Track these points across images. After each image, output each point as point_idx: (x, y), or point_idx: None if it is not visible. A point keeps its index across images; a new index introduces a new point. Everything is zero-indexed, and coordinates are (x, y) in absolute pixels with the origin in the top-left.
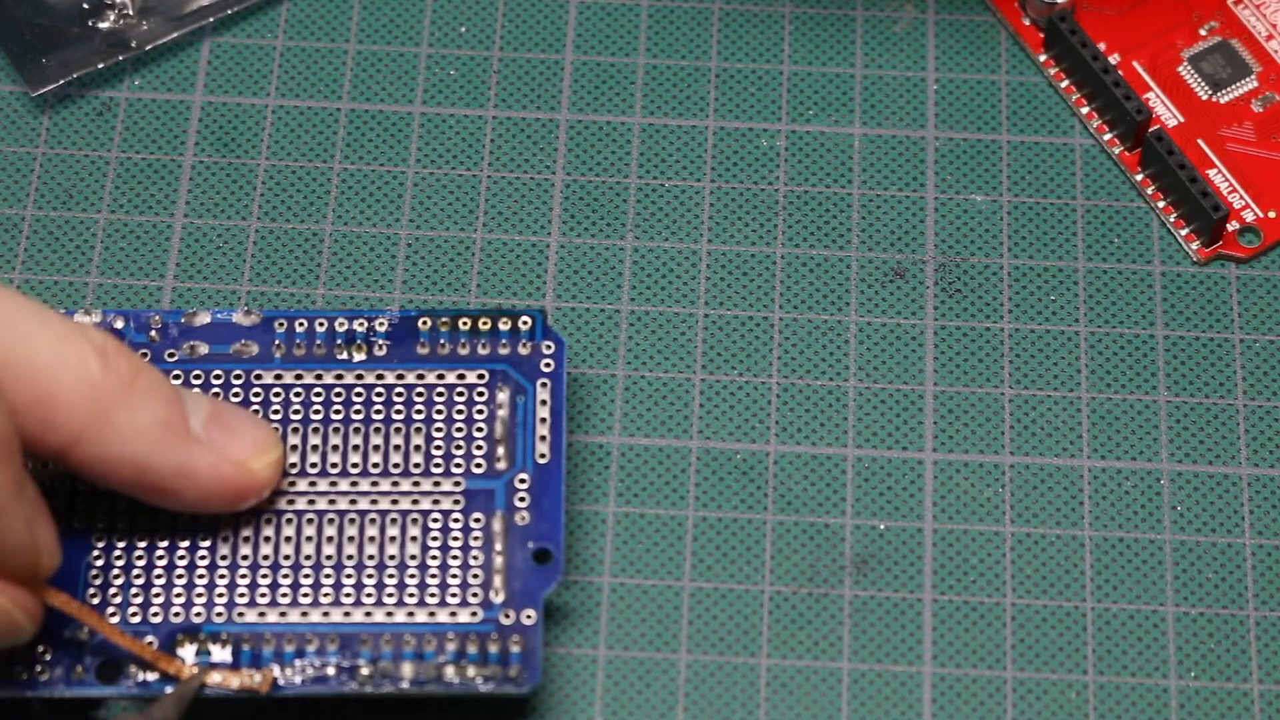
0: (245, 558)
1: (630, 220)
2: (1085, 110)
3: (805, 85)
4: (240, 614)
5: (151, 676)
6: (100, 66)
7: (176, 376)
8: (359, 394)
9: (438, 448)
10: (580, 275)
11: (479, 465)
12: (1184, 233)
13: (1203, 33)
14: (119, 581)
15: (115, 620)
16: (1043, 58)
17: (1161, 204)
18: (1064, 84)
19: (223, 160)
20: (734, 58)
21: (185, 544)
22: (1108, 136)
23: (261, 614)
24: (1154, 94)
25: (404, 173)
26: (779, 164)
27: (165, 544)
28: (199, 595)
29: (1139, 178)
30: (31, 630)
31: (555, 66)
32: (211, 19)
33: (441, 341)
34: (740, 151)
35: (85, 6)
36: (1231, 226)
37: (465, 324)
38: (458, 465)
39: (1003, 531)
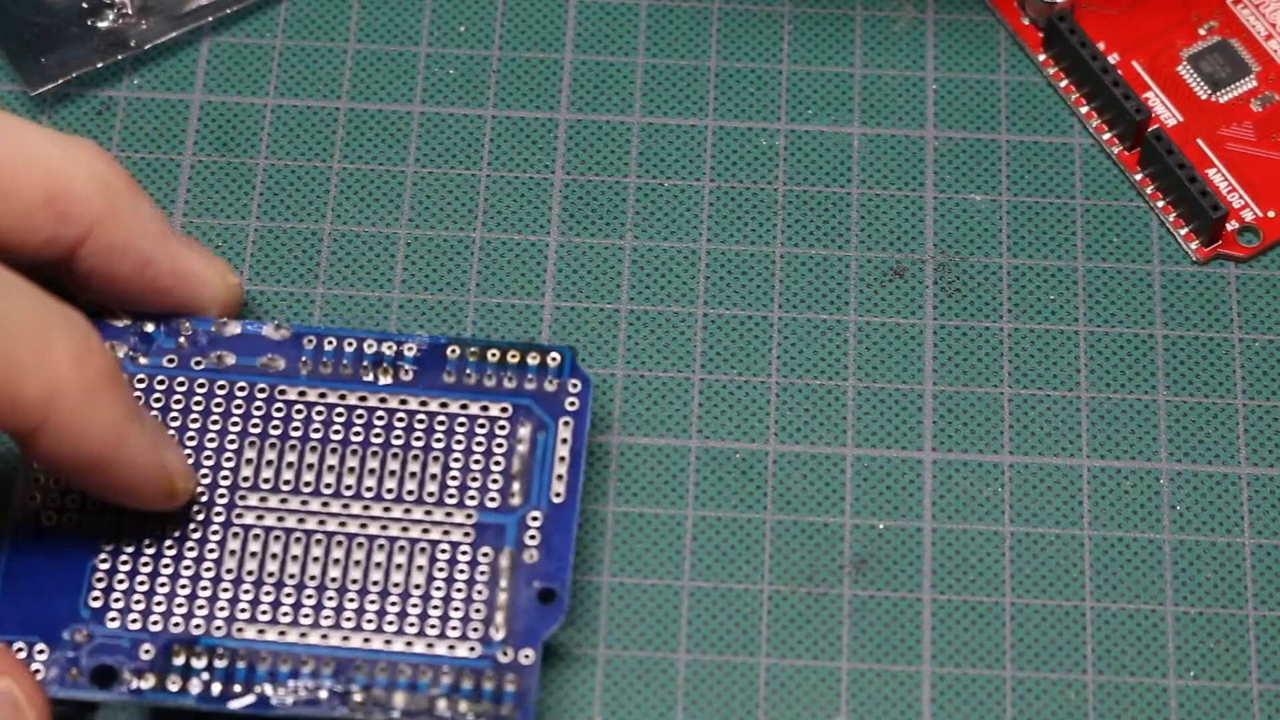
0: (250, 573)
1: (629, 220)
2: (1084, 110)
3: (804, 85)
4: (239, 629)
5: (146, 684)
6: (99, 66)
7: (201, 386)
8: (380, 417)
9: (454, 478)
10: (579, 275)
11: (493, 499)
12: (1183, 232)
13: (1202, 32)
14: (122, 586)
15: (115, 625)
16: (1042, 57)
17: (1161, 203)
18: (1063, 83)
19: (222, 159)
20: (733, 57)
21: (192, 554)
22: (1107, 136)
23: (260, 631)
24: (1153, 93)
25: (403, 172)
26: (778, 163)
27: (172, 553)
28: (200, 607)
29: (1138, 177)
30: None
31: (554, 66)
32: (211, 18)
33: (468, 371)
34: (739, 151)
35: (84, 6)
36: (1231, 226)
37: (494, 355)
38: (472, 497)
39: (1002, 531)
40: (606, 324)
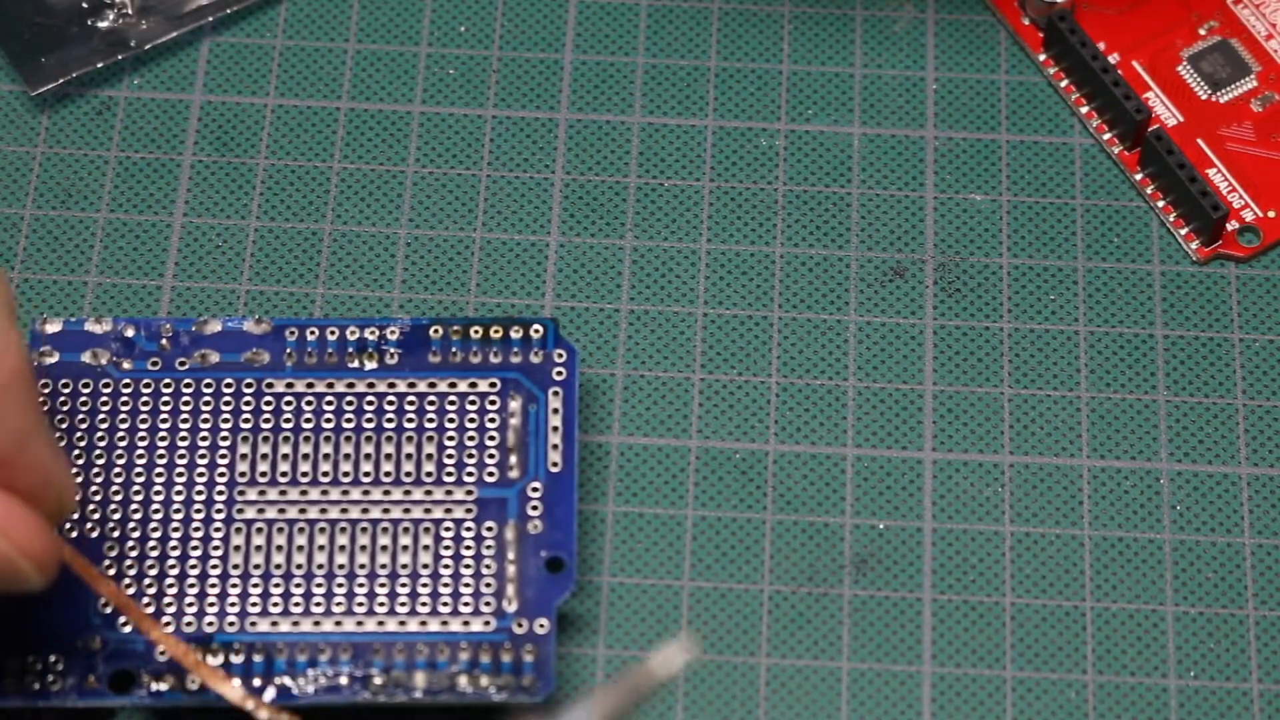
0: (258, 567)
1: (630, 220)
2: (1085, 110)
3: (804, 85)
4: (253, 624)
5: (164, 686)
6: (99, 66)
7: (188, 385)
8: (370, 402)
9: (450, 456)
10: (580, 275)
11: (491, 474)
12: (1183, 232)
13: (1202, 32)
14: (131, 591)
15: (128, 630)
16: (1042, 57)
17: (1161, 203)
18: (1063, 83)
19: (222, 160)
20: (733, 57)
21: (198, 553)
22: (1107, 136)
23: (274, 623)
24: (1153, 93)
25: (403, 172)
26: (778, 163)
27: (178, 553)
28: (211, 605)
29: (1138, 177)
30: (41, 582)
31: (555, 66)
32: (211, 18)
33: (453, 350)
34: (739, 151)
35: (84, 6)
36: (1231, 226)
37: (477, 332)
38: (470, 474)
39: (1002, 531)
40: (606, 324)
